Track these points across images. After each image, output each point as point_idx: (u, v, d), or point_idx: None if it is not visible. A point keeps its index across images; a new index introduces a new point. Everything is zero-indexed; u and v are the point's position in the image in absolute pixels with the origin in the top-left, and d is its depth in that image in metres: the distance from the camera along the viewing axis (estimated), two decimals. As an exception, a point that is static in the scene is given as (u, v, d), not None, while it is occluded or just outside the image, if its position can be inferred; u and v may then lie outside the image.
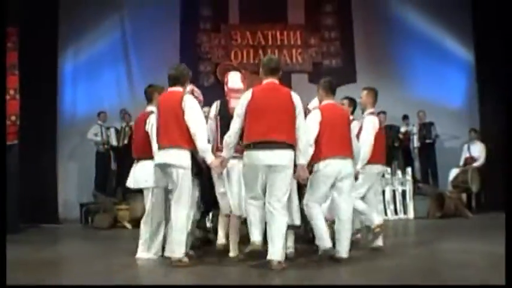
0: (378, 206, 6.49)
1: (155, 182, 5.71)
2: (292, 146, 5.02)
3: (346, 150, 5.45)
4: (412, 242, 7.80)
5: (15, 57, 9.02)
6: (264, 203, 5.05)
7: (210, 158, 5.24)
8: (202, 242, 6.49)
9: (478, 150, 11.35)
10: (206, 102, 6.16)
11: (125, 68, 12.68)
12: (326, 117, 5.40)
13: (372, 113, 6.23)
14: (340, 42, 13.16)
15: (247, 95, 5.13)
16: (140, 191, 6.17)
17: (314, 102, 6.05)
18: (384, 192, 10.56)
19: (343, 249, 5.37)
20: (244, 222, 5.56)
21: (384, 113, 11.19)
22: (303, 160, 5.12)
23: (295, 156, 5.06)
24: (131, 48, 12.67)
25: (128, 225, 9.57)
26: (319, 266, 5.19)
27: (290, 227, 5.34)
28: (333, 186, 5.40)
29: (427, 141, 11.90)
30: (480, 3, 12.09)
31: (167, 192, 5.65)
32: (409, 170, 10.96)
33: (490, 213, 10.40)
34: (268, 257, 4.94)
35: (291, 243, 5.64)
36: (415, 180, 11.18)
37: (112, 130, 11.62)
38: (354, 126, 6.02)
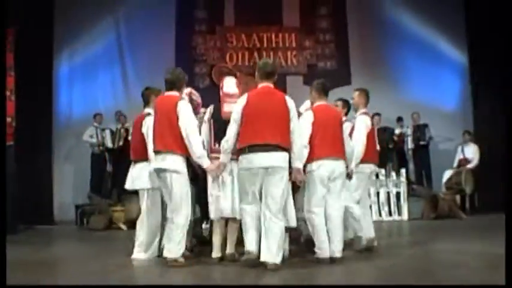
0: (367, 202, 6.50)
1: (151, 183, 5.74)
2: (286, 149, 5.07)
3: (338, 151, 5.50)
4: (407, 242, 7.83)
5: (11, 59, 9.04)
6: (260, 208, 5.08)
7: (206, 163, 5.29)
8: (198, 243, 6.50)
9: (471, 152, 11.40)
10: (202, 104, 6.19)
11: (120, 70, 12.68)
12: (319, 118, 5.46)
13: (364, 113, 6.28)
14: (335, 44, 13.21)
15: (243, 100, 5.18)
16: (135, 193, 6.21)
17: (305, 105, 6.09)
18: (378, 193, 10.64)
19: (336, 249, 5.40)
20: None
21: (379, 114, 11.28)
22: (299, 163, 5.18)
23: (290, 158, 5.11)
24: (126, 50, 12.67)
25: (123, 227, 9.58)
26: (314, 266, 5.22)
27: (286, 228, 5.37)
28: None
29: (421, 143, 11.94)
30: (473, 5, 12.16)
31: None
32: (403, 171, 11.01)
33: (484, 214, 10.48)
34: (263, 259, 4.97)
35: (286, 245, 5.67)
36: (409, 182, 11.22)
37: (107, 132, 11.62)
38: (347, 127, 6.08)
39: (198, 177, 5.66)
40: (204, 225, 6.82)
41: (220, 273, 5.12)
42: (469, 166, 11.16)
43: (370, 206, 9.64)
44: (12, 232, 8.11)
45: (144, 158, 5.75)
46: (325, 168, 5.36)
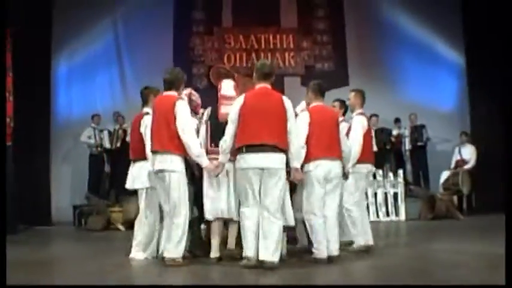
0: (364, 203, 6.52)
1: (150, 183, 5.76)
2: (283, 149, 5.10)
3: (335, 151, 5.54)
4: (404, 243, 7.86)
5: (9, 59, 9.04)
6: (258, 211, 5.09)
7: (205, 162, 5.31)
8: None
9: (468, 153, 11.44)
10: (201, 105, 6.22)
11: (118, 70, 12.70)
12: (315, 118, 5.49)
13: (360, 114, 6.32)
14: (332, 45, 13.25)
15: (240, 100, 5.22)
16: (133, 193, 6.22)
17: (301, 106, 6.11)
18: (376, 194, 10.66)
19: (333, 247, 5.44)
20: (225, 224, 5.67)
21: (376, 116, 11.34)
22: (297, 163, 5.21)
23: (287, 159, 5.14)
24: (124, 51, 12.69)
25: (121, 227, 9.59)
26: (312, 266, 5.24)
27: (284, 228, 5.40)
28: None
29: (419, 144, 11.97)
30: (470, 7, 12.20)
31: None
32: (400, 172, 11.03)
33: (481, 215, 10.51)
34: (261, 258, 4.98)
35: (283, 244, 5.69)
36: (406, 183, 11.24)
37: (105, 133, 11.64)
38: (343, 127, 6.13)
39: (195, 178, 5.66)
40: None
41: (219, 273, 5.13)
42: (466, 167, 11.21)
43: (368, 207, 9.76)
44: (12, 232, 8.10)
45: (143, 157, 5.76)
46: (322, 168, 5.39)
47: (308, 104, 5.85)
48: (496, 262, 5.11)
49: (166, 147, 5.28)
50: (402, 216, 10.64)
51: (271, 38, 13.15)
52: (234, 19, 13.12)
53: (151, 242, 5.85)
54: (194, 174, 5.64)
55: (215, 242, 5.55)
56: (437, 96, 12.67)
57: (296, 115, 5.62)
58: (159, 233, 5.77)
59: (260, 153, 4.99)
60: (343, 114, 6.80)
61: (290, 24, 13.27)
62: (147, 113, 5.84)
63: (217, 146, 5.34)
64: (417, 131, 11.97)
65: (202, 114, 5.91)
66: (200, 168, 5.53)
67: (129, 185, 6.05)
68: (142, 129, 5.85)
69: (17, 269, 5.18)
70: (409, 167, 12.34)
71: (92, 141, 11.46)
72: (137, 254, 5.85)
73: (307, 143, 5.38)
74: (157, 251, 5.76)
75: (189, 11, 13.08)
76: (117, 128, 11.58)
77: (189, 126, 5.31)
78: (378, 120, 11.54)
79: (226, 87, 5.80)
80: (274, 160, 5.03)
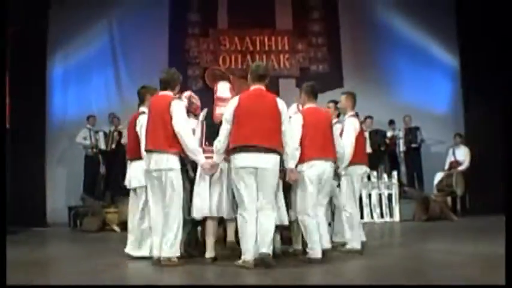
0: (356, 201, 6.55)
1: (144, 181, 5.78)
2: (277, 150, 5.16)
3: (328, 152, 5.59)
4: (398, 243, 7.90)
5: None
6: (256, 212, 5.13)
7: (201, 160, 5.36)
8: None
9: (462, 154, 11.50)
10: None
11: (113, 72, 12.72)
12: (308, 120, 5.55)
13: (352, 116, 6.37)
14: (327, 48, 13.31)
15: (234, 101, 5.26)
16: (129, 194, 6.24)
17: (292, 108, 6.14)
18: (370, 195, 10.70)
19: (324, 239, 5.55)
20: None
21: (371, 117, 11.40)
22: (292, 163, 5.27)
23: (281, 160, 5.21)
24: (120, 53, 12.71)
25: (117, 228, 9.59)
26: (306, 266, 5.27)
27: (278, 226, 5.44)
28: None
29: (413, 145, 12.02)
30: (465, 9, 12.28)
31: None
32: (395, 173, 11.07)
33: (475, 216, 10.56)
34: (259, 250, 5.05)
35: (277, 243, 5.74)
36: (401, 184, 11.29)
37: (101, 134, 11.64)
38: (337, 128, 6.19)
39: (190, 178, 5.69)
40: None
41: (214, 273, 5.14)
42: (460, 168, 11.27)
43: (362, 209, 9.81)
44: (12, 232, 8.11)
45: (139, 156, 5.78)
46: (316, 169, 5.44)
47: (302, 106, 5.90)
48: (491, 262, 5.17)
49: (161, 146, 5.31)
50: (396, 217, 10.68)
51: (266, 40, 13.19)
52: (229, 21, 13.16)
53: (148, 241, 5.84)
54: (189, 174, 5.67)
55: (210, 242, 5.58)
56: (432, 98, 12.74)
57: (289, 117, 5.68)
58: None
59: (255, 153, 5.05)
60: (338, 116, 6.85)
61: (285, 26, 13.32)
62: (143, 112, 5.88)
63: (211, 145, 5.40)
64: (411, 132, 12.02)
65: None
66: (195, 169, 5.57)
67: (127, 183, 6.09)
68: (137, 129, 5.88)
69: (14, 269, 5.19)
70: (403, 168, 12.38)
71: (88, 142, 11.46)
72: (132, 251, 5.88)
73: (301, 144, 5.43)
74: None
75: (184, 13, 13.12)
76: (113, 130, 11.59)
77: (185, 125, 5.36)
78: (373, 122, 11.58)
79: (222, 89, 5.85)
80: (268, 160, 5.08)
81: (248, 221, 5.10)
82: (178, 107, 5.37)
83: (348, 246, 6.14)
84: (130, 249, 5.95)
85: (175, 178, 5.30)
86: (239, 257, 5.17)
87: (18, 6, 9.66)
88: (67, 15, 11.88)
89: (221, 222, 5.74)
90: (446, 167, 11.57)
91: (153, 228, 5.47)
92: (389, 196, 10.79)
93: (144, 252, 5.84)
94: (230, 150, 5.20)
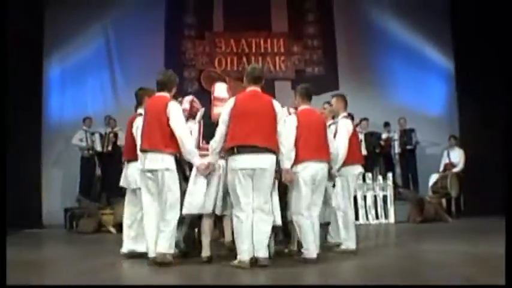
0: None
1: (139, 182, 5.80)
2: (273, 150, 5.21)
3: (322, 153, 5.64)
4: (393, 244, 7.93)
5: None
6: (252, 212, 5.17)
7: (197, 161, 5.40)
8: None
9: (457, 156, 11.53)
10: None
11: (109, 74, 12.74)
12: (302, 122, 5.59)
13: (345, 117, 6.42)
14: (322, 50, 13.36)
15: (231, 102, 5.32)
16: (125, 196, 6.27)
17: (284, 111, 6.19)
18: (365, 197, 10.74)
19: (317, 243, 5.58)
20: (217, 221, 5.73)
21: (366, 119, 11.43)
22: (288, 163, 5.32)
23: (276, 160, 5.25)
24: (116, 55, 12.73)
25: (113, 230, 9.60)
26: (301, 266, 5.30)
27: (272, 228, 5.47)
28: None
29: (408, 147, 12.05)
30: (459, 12, 12.34)
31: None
32: (390, 175, 11.10)
33: (469, 217, 10.61)
34: (256, 254, 5.10)
35: (271, 243, 5.77)
36: (395, 186, 11.31)
37: (97, 135, 11.64)
38: (331, 131, 6.22)
39: (186, 177, 5.73)
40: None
41: (210, 273, 5.17)
42: (455, 170, 11.30)
43: (357, 210, 9.85)
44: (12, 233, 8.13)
45: (136, 157, 5.80)
46: (310, 170, 5.49)
47: (295, 108, 5.97)
48: (487, 262, 5.21)
49: (157, 146, 5.34)
50: (391, 219, 10.72)
51: (262, 42, 13.24)
52: (225, 23, 13.19)
53: (142, 240, 5.83)
54: (186, 175, 5.70)
55: (206, 242, 5.61)
56: (426, 100, 12.79)
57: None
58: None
59: (251, 154, 5.10)
60: (333, 117, 6.89)
61: (281, 28, 13.36)
62: (141, 114, 5.90)
63: (208, 143, 5.45)
64: (406, 134, 12.06)
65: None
66: (190, 168, 5.61)
67: (123, 184, 6.12)
68: (134, 130, 5.91)
69: (11, 270, 5.20)
70: (398, 170, 12.41)
71: (84, 144, 11.47)
72: (134, 245, 5.93)
73: (295, 145, 5.47)
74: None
75: (180, 15, 13.14)
76: (109, 132, 11.59)
77: (184, 126, 5.41)
78: (368, 124, 11.62)
79: (220, 89, 5.92)
80: (264, 160, 5.13)
81: (244, 222, 5.14)
82: (175, 108, 5.41)
83: (343, 247, 6.19)
84: (131, 243, 5.97)
85: (171, 178, 5.33)
86: (235, 258, 5.20)
87: (15, 8, 9.69)
88: (63, 17, 11.91)
89: (218, 222, 5.77)
90: (441, 168, 11.59)
91: (146, 230, 5.49)
92: (384, 198, 10.82)
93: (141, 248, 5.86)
94: (227, 151, 5.24)
